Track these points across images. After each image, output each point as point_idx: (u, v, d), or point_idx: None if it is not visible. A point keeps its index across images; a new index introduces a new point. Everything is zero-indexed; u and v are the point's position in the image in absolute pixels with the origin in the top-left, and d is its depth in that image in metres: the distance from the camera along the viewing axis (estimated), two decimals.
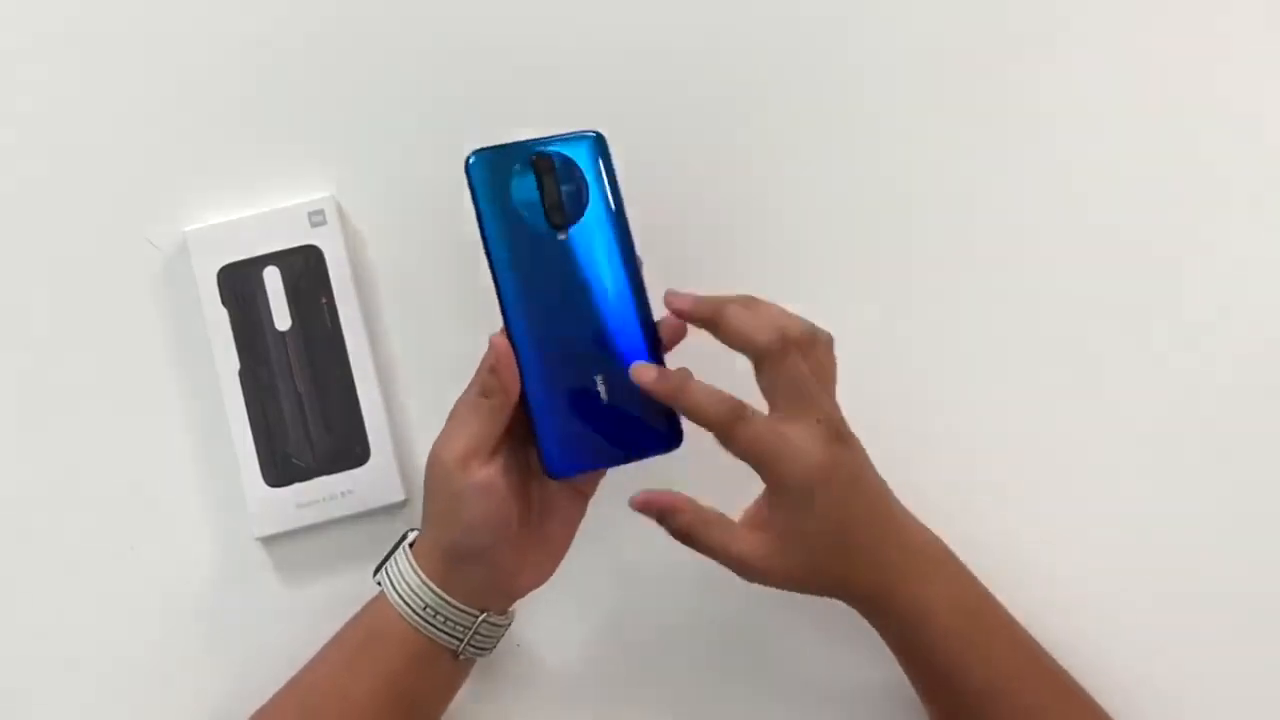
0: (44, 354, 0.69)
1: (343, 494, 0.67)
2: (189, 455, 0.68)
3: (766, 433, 0.56)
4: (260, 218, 0.68)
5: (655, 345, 0.59)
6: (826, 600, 0.60)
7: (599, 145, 0.59)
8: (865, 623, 0.61)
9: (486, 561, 0.59)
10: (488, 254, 0.59)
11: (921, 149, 0.72)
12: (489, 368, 0.58)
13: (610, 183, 0.59)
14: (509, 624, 0.62)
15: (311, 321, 0.68)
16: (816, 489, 0.57)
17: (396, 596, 0.60)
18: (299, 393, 0.67)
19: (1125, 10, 0.73)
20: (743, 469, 0.57)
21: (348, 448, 0.67)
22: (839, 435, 0.57)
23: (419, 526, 0.62)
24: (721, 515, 0.59)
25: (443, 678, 0.62)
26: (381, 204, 0.70)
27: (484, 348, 0.69)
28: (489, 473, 0.58)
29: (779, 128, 0.72)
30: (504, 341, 0.58)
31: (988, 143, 0.72)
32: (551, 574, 0.62)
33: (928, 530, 0.61)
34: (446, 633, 0.59)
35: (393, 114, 0.71)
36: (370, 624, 0.61)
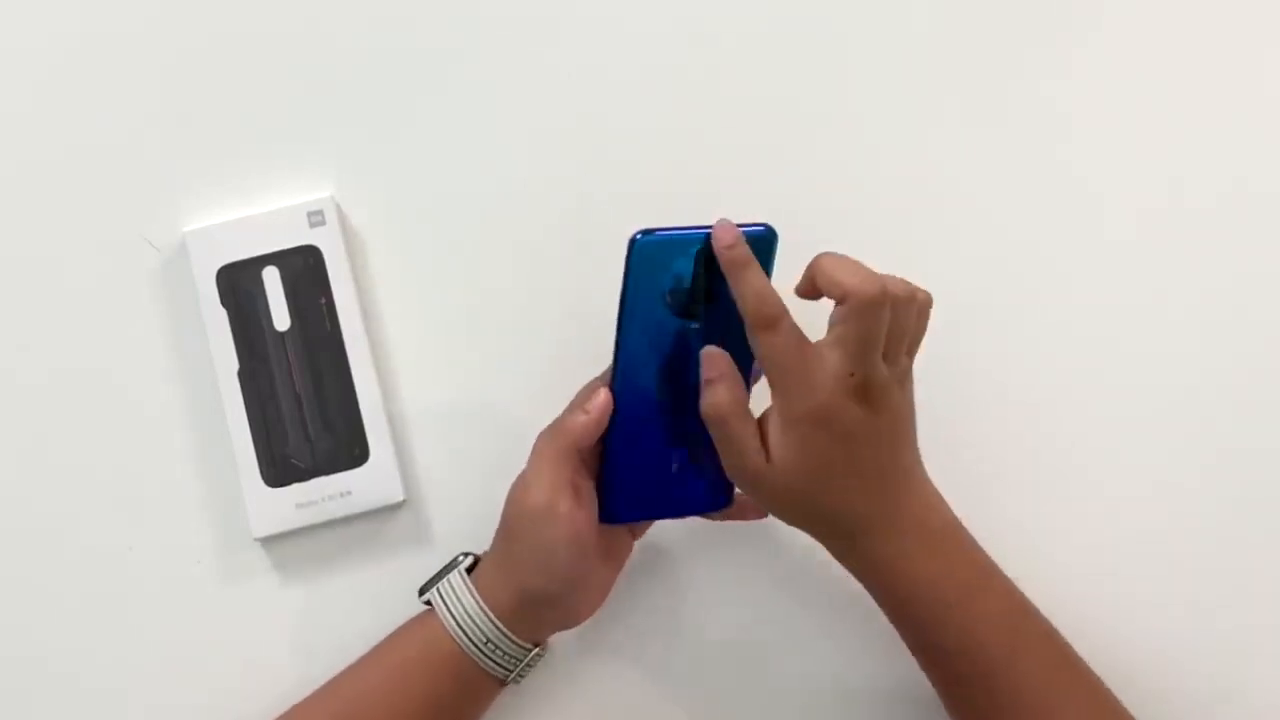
0: (43, 354, 0.69)
1: (342, 494, 0.67)
2: (188, 455, 0.68)
3: (786, 354, 0.56)
4: (259, 218, 0.68)
5: None
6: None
7: (768, 241, 0.58)
8: (881, 623, 0.61)
9: (559, 605, 0.61)
10: (620, 327, 0.59)
11: (929, 148, 0.72)
12: (584, 412, 0.59)
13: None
14: (546, 653, 0.64)
15: (311, 322, 0.68)
16: (807, 428, 0.57)
17: (454, 624, 0.61)
18: (298, 393, 0.67)
19: (1138, 10, 0.73)
20: None
21: (347, 448, 0.67)
22: (866, 396, 0.56)
23: (468, 550, 0.64)
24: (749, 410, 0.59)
25: (483, 700, 0.64)
26: (381, 204, 0.70)
27: (483, 348, 0.70)
28: (579, 523, 0.59)
29: (786, 129, 0.72)
30: (609, 398, 0.59)
31: (999, 144, 0.72)
32: (596, 610, 0.63)
33: (940, 509, 0.61)
34: (498, 663, 0.61)
35: (393, 114, 0.71)
36: (421, 643, 0.62)
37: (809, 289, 0.57)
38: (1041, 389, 0.71)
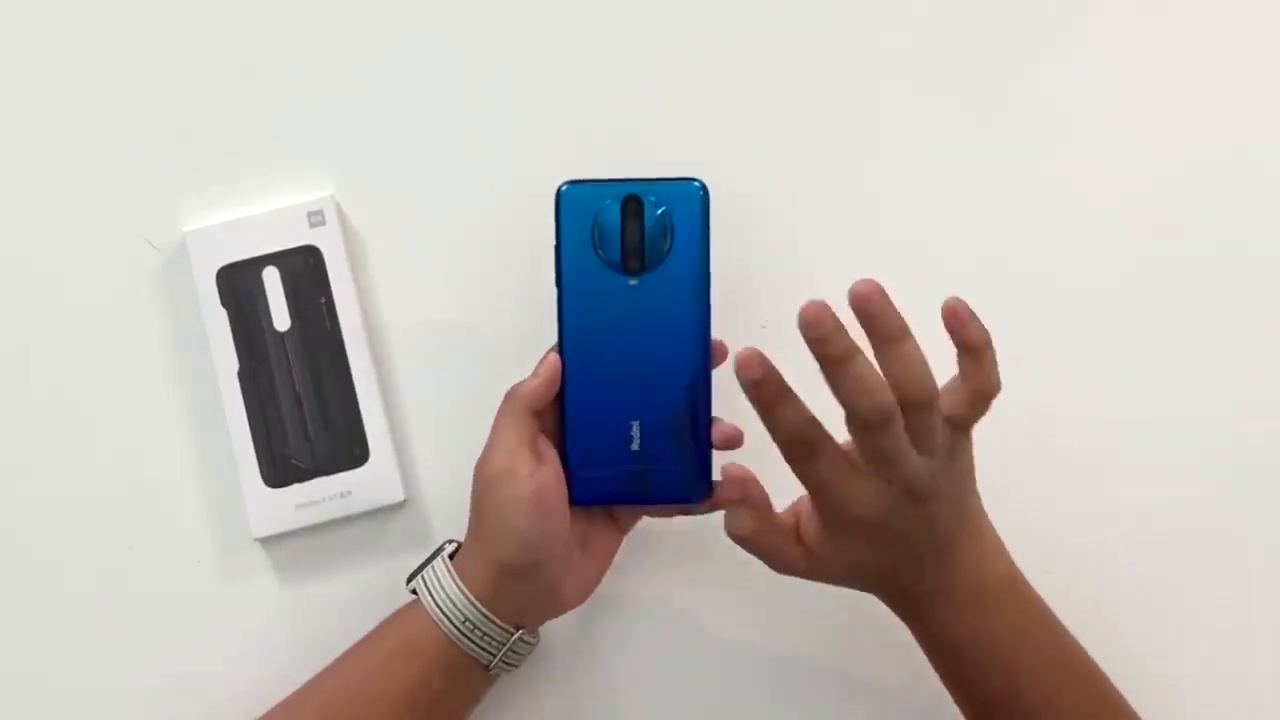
0: (43, 354, 0.69)
1: (342, 495, 0.67)
2: (188, 456, 0.68)
3: (829, 479, 0.55)
4: (259, 218, 0.68)
5: (704, 406, 0.59)
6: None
7: (698, 196, 0.58)
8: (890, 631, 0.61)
9: (534, 579, 0.60)
10: (558, 282, 0.59)
11: (929, 146, 0.72)
12: (534, 376, 0.59)
13: (700, 237, 0.58)
14: (537, 643, 0.63)
15: (311, 322, 0.68)
16: (855, 537, 0.57)
17: (435, 608, 0.60)
18: (298, 393, 0.67)
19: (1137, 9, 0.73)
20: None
21: (347, 448, 0.67)
22: (913, 494, 0.55)
23: (454, 538, 0.63)
24: (778, 520, 0.59)
25: (471, 689, 0.63)
26: (381, 204, 0.70)
27: (483, 348, 0.70)
28: (541, 482, 0.58)
29: (785, 126, 0.72)
30: (557, 360, 0.59)
31: (997, 142, 0.72)
32: (584, 600, 0.63)
33: (996, 559, 0.60)
34: (482, 647, 0.60)
35: (393, 114, 0.71)
36: (405, 631, 0.62)
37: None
38: (1040, 389, 0.70)
